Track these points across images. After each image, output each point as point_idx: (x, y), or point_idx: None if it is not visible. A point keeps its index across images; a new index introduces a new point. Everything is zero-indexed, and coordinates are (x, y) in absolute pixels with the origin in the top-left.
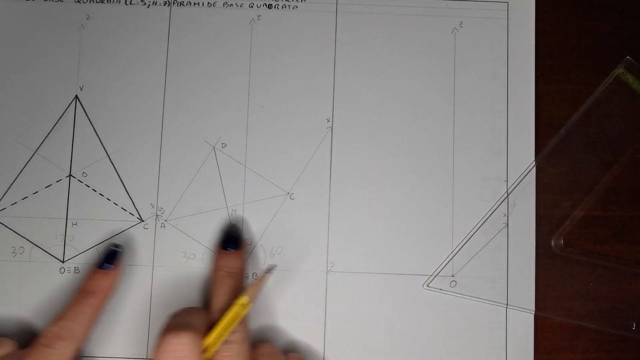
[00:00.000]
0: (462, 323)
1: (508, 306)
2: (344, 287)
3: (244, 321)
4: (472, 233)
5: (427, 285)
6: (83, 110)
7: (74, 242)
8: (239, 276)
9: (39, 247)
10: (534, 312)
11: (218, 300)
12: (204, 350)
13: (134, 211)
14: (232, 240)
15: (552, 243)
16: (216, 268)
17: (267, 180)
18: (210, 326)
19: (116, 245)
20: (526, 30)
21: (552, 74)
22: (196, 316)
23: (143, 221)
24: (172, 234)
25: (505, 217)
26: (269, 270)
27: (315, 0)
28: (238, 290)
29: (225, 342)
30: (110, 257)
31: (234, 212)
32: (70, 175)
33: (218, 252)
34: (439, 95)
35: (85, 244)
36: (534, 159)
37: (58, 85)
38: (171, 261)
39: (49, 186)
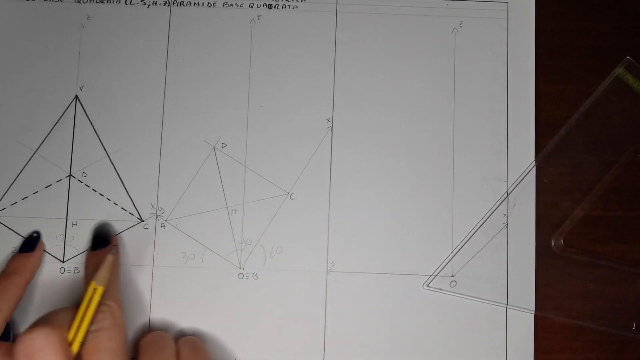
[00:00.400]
0: (462, 323)
1: (508, 306)
2: (344, 287)
3: (110, 308)
4: (472, 233)
5: (427, 285)
6: (83, 110)
7: (74, 242)
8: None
9: None
10: (534, 312)
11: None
12: (70, 344)
13: (134, 211)
14: (100, 239)
15: (552, 243)
16: (86, 268)
17: (267, 180)
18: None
19: (35, 232)
20: (526, 30)
21: (552, 74)
22: (59, 313)
23: (143, 221)
24: (172, 234)
25: (505, 217)
26: (112, 252)
27: (315, 0)
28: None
29: (91, 331)
30: (30, 244)
31: (234, 212)
32: (70, 175)
33: (88, 253)
34: (439, 95)
35: (85, 244)
36: (534, 159)
37: (58, 85)
38: (171, 261)
39: (49, 186)
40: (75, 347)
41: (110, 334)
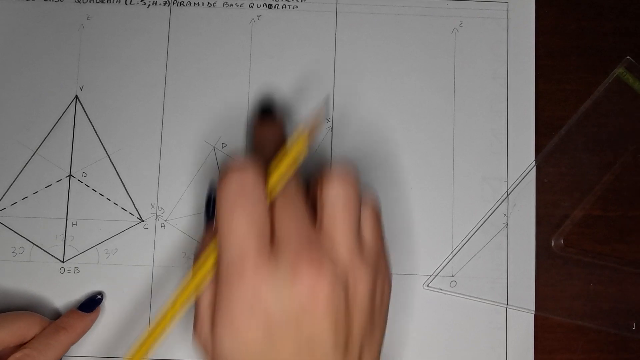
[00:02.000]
0: (462, 323)
1: (508, 306)
2: None
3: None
4: (472, 233)
5: (427, 285)
6: (83, 110)
7: (74, 242)
8: (281, 141)
9: (39, 247)
10: (534, 312)
11: (266, 151)
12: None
13: (134, 211)
14: (267, 109)
15: (552, 243)
16: (257, 137)
17: None
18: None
19: (99, 294)
20: (526, 30)
21: (552, 74)
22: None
23: (143, 221)
24: (172, 234)
25: (505, 217)
26: (325, 103)
27: (315, 0)
28: (282, 142)
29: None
30: (91, 304)
31: None
32: (70, 175)
33: (256, 124)
34: (439, 95)
35: (85, 244)
36: (534, 159)
37: (58, 85)
38: (171, 261)
39: (49, 186)
40: (273, 193)
41: (297, 194)
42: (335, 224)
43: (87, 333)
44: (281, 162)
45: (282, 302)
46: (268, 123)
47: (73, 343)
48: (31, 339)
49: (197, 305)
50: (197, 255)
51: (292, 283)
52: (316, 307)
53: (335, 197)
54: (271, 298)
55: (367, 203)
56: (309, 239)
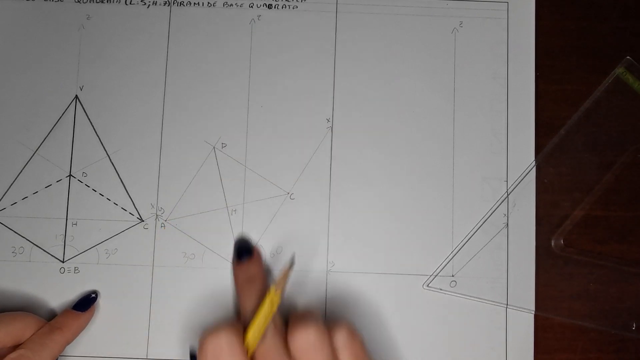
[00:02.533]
0: (462, 323)
1: (508, 306)
2: (344, 287)
3: (277, 317)
4: (472, 233)
5: (427, 285)
6: (83, 110)
7: (74, 242)
8: (260, 280)
9: (39, 247)
10: (534, 312)
11: (247, 305)
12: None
13: (134, 211)
14: (243, 251)
15: (552, 243)
16: (236, 280)
17: (267, 180)
18: (245, 328)
19: (93, 292)
20: (526, 30)
21: (552, 74)
22: (232, 322)
23: (143, 221)
24: (172, 234)
25: (505, 217)
26: (291, 262)
27: (315, 0)
28: (262, 292)
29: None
30: (85, 303)
31: (234, 212)
32: (70, 175)
33: (234, 265)
34: (439, 95)
35: (85, 244)
36: (534, 159)
37: (58, 85)
38: (171, 261)
39: (49, 186)
40: (252, 347)
41: (275, 342)
42: None
43: (85, 333)
44: (256, 317)
45: None
46: (245, 265)
47: (69, 342)
48: (27, 339)
49: None
50: None
51: None
52: None
53: (301, 346)
54: None
55: (340, 331)
56: None
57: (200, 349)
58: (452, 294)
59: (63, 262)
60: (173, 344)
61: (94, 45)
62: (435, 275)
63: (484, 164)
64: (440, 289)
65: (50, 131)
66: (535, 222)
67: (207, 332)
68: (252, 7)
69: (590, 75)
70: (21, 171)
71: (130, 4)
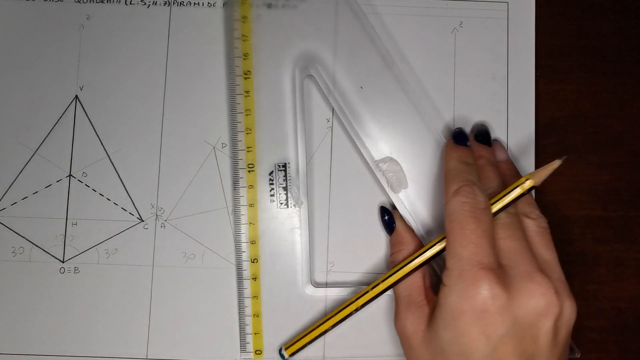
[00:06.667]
0: None
1: None
2: (343, 286)
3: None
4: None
5: None
6: (83, 110)
7: (74, 242)
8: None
9: (39, 247)
10: None
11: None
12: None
13: (134, 211)
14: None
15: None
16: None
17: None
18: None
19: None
20: (526, 30)
21: (552, 74)
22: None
23: (143, 221)
24: (172, 234)
25: None
26: (562, 158)
27: (315, 0)
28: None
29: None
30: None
31: (234, 212)
32: (70, 175)
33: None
34: (439, 95)
35: (85, 244)
36: (534, 158)
37: (58, 85)
38: (171, 261)
39: (49, 186)
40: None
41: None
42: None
43: (85, 333)
44: (506, 196)
45: (507, 319)
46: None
47: None
48: None
49: (402, 299)
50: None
51: (519, 303)
52: (539, 328)
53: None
54: (497, 313)
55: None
56: (535, 265)
57: (455, 197)
58: None
59: (63, 262)
60: (173, 344)
61: (94, 45)
62: (436, 275)
63: None
64: None
65: (50, 131)
66: None
67: (461, 188)
68: (251, 6)
69: (590, 75)
70: (21, 171)
71: (130, 4)
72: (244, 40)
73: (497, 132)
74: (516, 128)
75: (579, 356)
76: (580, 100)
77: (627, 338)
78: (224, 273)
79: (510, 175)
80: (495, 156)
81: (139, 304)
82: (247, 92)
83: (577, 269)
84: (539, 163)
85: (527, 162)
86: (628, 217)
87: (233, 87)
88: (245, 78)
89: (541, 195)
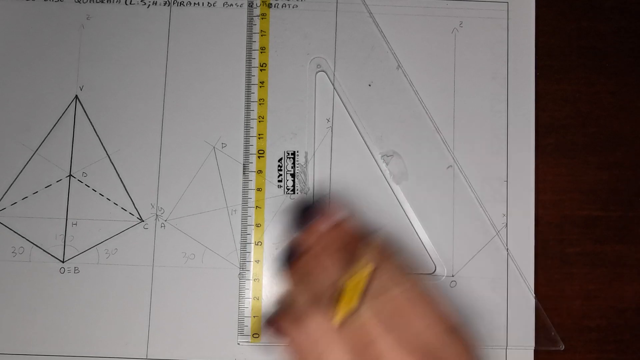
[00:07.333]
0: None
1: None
2: None
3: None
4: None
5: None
6: (83, 110)
7: (74, 242)
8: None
9: (39, 247)
10: (534, 312)
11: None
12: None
13: (134, 211)
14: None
15: (552, 243)
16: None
17: (267, 180)
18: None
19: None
20: (526, 30)
21: (552, 74)
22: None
23: (143, 221)
24: (172, 234)
25: (505, 217)
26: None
27: (315, 0)
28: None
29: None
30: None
31: (234, 212)
32: (70, 175)
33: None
34: (439, 95)
35: (85, 244)
36: (534, 159)
37: (58, 85)
38: (171, 261)
39: (49, 186)
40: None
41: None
42: None
43: (85, 333)
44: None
45: None
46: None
47: None
48: None
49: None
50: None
51: None
52: None
53: None
54: None
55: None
56: None
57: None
58: (452, 293)
59: (63, 262)
60: (173, 344)
61: (94, 45)
62: (436, 275)
63: (484, 164)
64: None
65: (50, 131)
66: (535, 222)
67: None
68: (252, 6)
69: (590, 75)
70: (21, 171)
71: (130, 4)
72: (262, 35)
73: (497, 132)
74: (516, 128)
75: (562, 349)
76: (580, 100)
77: (626, 338)
78: (224, 273)
79: (349, 237)
80: (324, 224)
81: (139, 304)
82: (262, 82)
83: (577, 269)
84: (539, 163)
85: (527, 162)
86: (628, 217)
87: (249, 77)
88: (260, 70)
89: (541, 195)
